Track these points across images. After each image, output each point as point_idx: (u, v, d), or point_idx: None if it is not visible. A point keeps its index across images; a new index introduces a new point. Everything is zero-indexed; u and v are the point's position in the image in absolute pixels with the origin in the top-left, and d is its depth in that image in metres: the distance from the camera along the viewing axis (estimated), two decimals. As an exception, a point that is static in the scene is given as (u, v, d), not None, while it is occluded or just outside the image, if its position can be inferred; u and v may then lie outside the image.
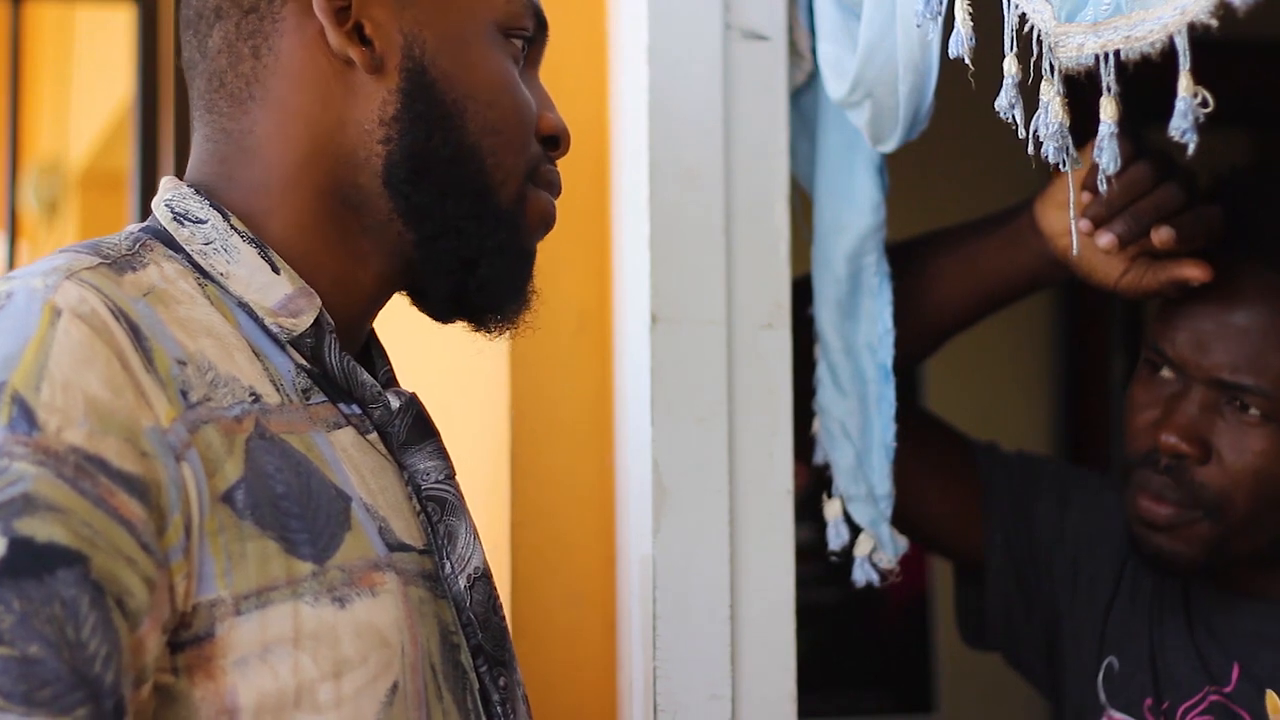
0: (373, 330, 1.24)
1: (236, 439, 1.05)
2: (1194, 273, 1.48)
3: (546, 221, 1.22)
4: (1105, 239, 1.46)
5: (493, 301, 1.20)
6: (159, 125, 3.02)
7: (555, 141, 1.22)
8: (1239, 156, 1.73)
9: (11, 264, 3.81)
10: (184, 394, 1.03)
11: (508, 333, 1.22)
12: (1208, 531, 1.51)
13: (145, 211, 3.01)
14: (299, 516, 1.05)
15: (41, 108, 5.07)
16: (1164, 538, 1.52)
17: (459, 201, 1.16)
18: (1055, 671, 1.72)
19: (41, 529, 0.95)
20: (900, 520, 1.65)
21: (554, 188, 1.23)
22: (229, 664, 1.01)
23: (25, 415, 0.97)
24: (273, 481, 1.05)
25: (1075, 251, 1.50)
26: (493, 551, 1.56)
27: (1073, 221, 1.38)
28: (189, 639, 1.01)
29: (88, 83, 4.52)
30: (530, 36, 1.21)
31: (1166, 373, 1.54)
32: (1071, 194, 1.35)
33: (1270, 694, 1.54)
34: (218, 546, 1.02)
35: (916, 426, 1.69)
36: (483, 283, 1.19)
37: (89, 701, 0.94)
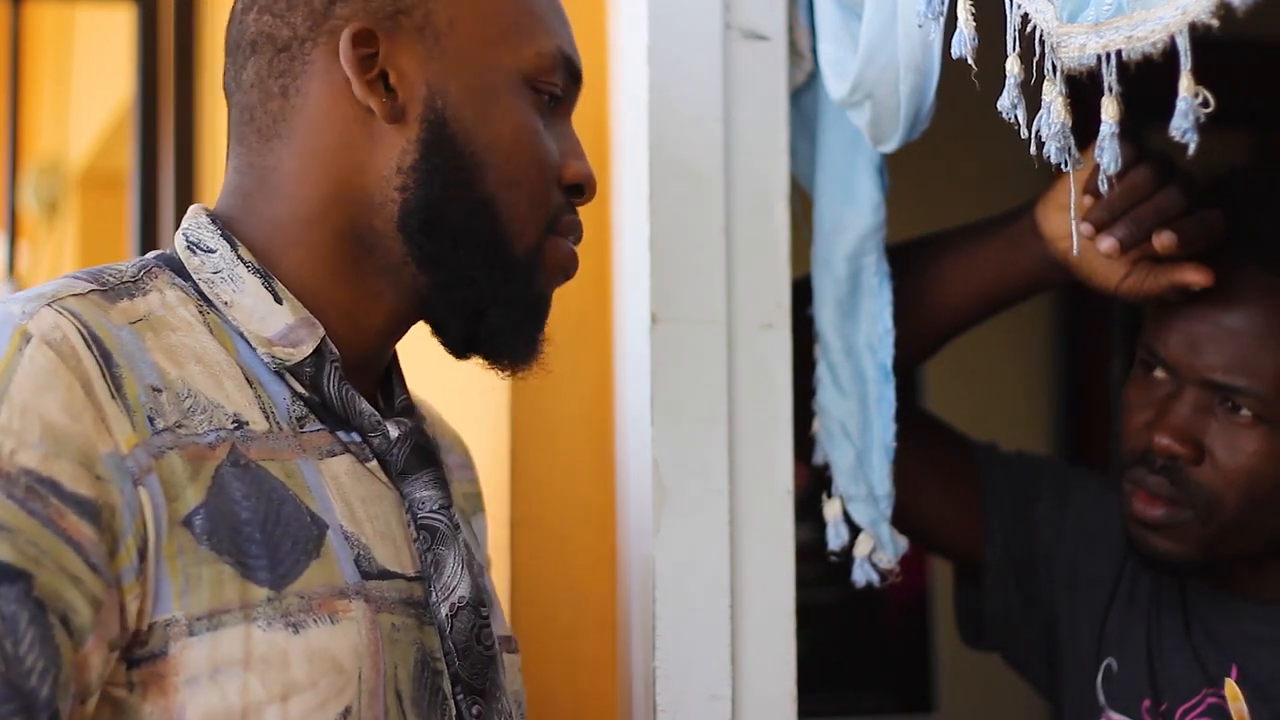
0: (395, 358, 1.26)
1: (205, 465, 1.07)
2: (1195, 277, 1.48)
3: (566, 270, 1.24)
4: (1106, 243, 1.46)
5: (502, 349, 1.22)
6: (159, 125, 3.02)
7: (580, 189, 1.23)
8: (1237, 157, 1.72)
9: (12, 264, 3.81)
10: (151, 420, 1.06)
11: (519, 374, 1.24)
12: (1199, 531, 1.51)
13: (145, 211, 3.01)
14: (260, 543, 1.08)
15: (41, 108, 5.07)
16: (1158, 537, 1.53)
17: (472, 252, 1.18)
18: (1054, 672, 1.72)
19: None
20: (900, 520, 1.65)
21: (575, 235, 1.24)
22: (180, 682, 1.04)
23: None
24: (238, 508, 1.08)
25: (1076, 254, 1.50)
26: (493, 551, 1.56)
27: (1074, 224, 1.37)
28: (144, 656, 1.04)
29: (88, 83, 4.52)
30: (560, 92, 1.22)
31: (1160, 373, 1.54)
32: (1073, 196, 1.35)
33: (1229, 683, 1.54)
34: (176, 569, 1.04)
35: (916, 426, 1.69)
36: (493, 332, 1.21)
37: (22, 713, 0.97)
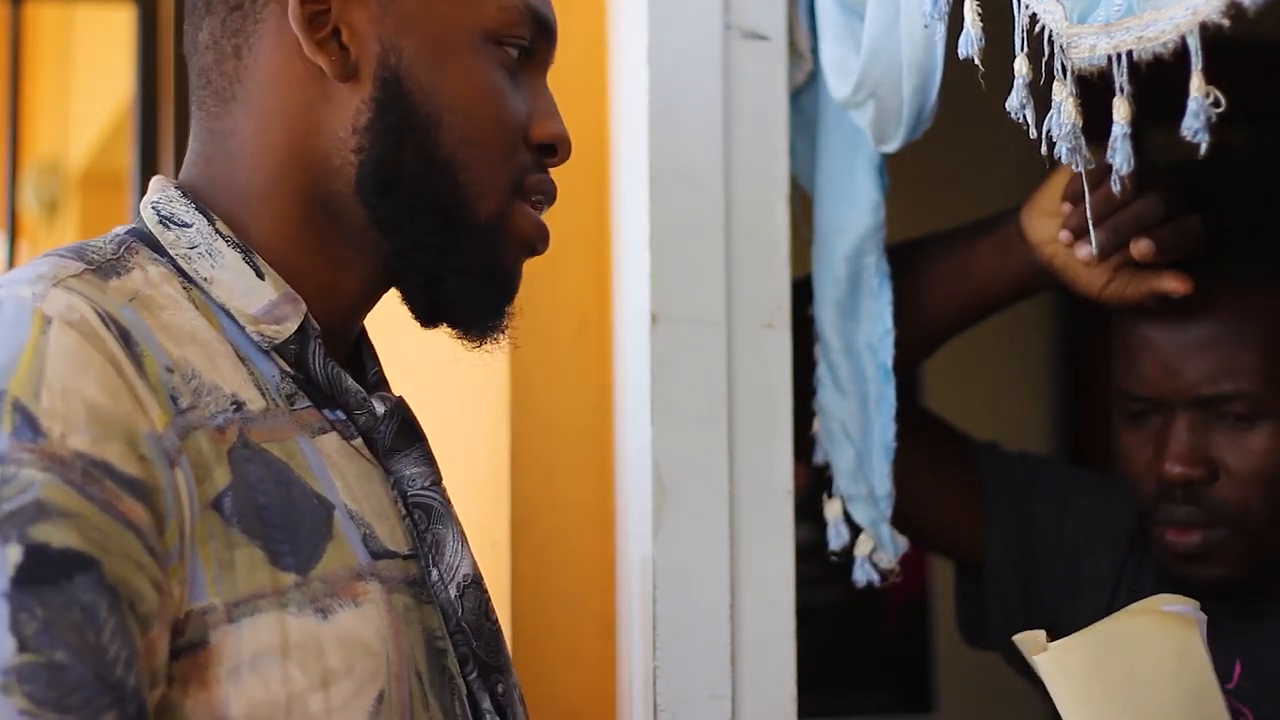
0: (364, 331, 1.24)
1: (222, 447, 1.04)
2: (1173, 285, 1.48)
3: (533, 243, 1.19)
4: (1084, 250, 1.46)
5: (462, 318, 1.19)
6: (159, 125, 3.02)
7: (552, 149, 1.19)
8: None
9: (12, 264, 3.81)
10: (174, 400, 1.03)
11: (487, 346, 1.20)
12: (1237, 546, 1.51)
13: (145, 211, 3.01)
14: (281, 527, 1.05)
15: (41, 108, 5.06)
16: (1202, 565, 1.52)
17: (428, 216, 1.14)
18: None
19: (56, 535, 0.95)
20: (900, 520, 1.65)
21: (547, 196, 1.20)
22: (222, 673, 1.01)
23: (28, 422, 0.96)
24: (255, 492, 1.05)
25: (1094, 251, 1.48)
26: (492, 551, 1.56)
27: (1090, 228, 1.37)
28: (182, 646, 1.00)
29: (88, 83, 4.52)
30: (528, 45, 1.18)
31: (1146, 410, 1.54)
32: (1087, 197, 1.34)
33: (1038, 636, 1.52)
34: (208, 553, 1.01)
35: (917, 426, 1.69)
36: (453, 299, 1.17)
37: (115, 706, 0.94)
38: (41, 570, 0.94)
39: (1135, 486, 1.57)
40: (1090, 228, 1.43)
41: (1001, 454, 1.77)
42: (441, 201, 1.14)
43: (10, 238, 3.88)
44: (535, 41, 1.19)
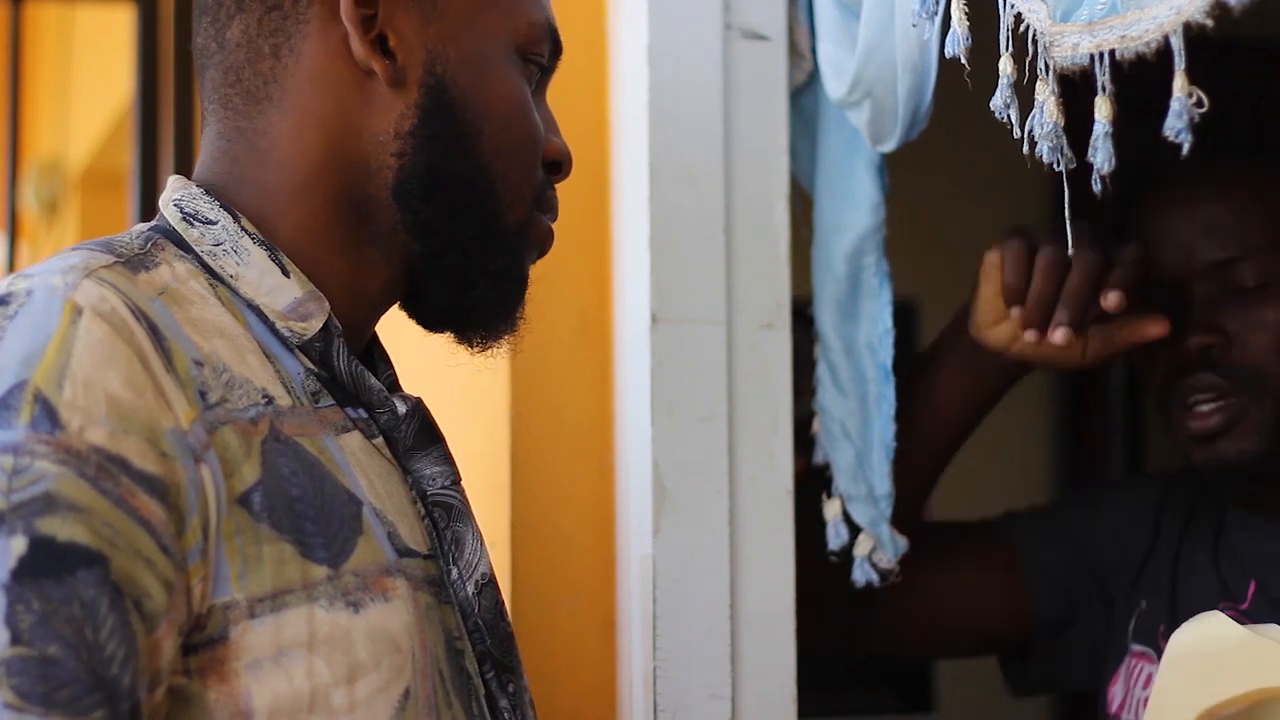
0: (375, 334, 1.24)
1: (253, 440, 1.05)
2: (1155, 330, 1.53)
3: (544, 247, 1.23)
4: (1059, 335, 1.50)
5: (483, 321, 1.21)
6: (159, 125, 3.02)
7: (558, 166, 1.23)
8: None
9: (11, 264, 3.81)
10: (202, 394, 1.03)
11: (489, 351, 1.23)
12: (1258, 415, 1.54)
13: (145, 211, 3.01)
14: (313, 520, 1.05)
15: (41, 108, 5.07)
16: (1225, 441, 1.54)
17: (468, 221, 1.17)
18: (1095, 661, 1.73)
19: (63, 529, 0.95)
20: (943, 634, 1.71)
21: (554, 212, 1.24)
22: (242, 667, 1.01)
23: (48, 414, 0.96)
24: (288, 484, 1.05)
25: (1068, 330, 1.51)
26: (492, 550, 1.56)
27: (1068, 226, 1.37)
28: (202, 641, 1.01)
29: (88, 83, 4.52)
30: (545, 63, 1.22)
31: (1160, 295, 1.57)
32: (1068, 207, 1.35)
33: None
34: (234, 549, 1.01)
35: (933, 539, 1.71)
36: (478, 303, 1.19)
37: (106, 704, 0.94)
38: (44, 563, 0.94)
39: (1150, 376, 1.60)
40: (1049, 315, 1.48)
41: (1019, 515, 1.79)
42: (479, 208, 1.17)
43: (10, 238, 3.89)
44: (550, 61, 1.23)
